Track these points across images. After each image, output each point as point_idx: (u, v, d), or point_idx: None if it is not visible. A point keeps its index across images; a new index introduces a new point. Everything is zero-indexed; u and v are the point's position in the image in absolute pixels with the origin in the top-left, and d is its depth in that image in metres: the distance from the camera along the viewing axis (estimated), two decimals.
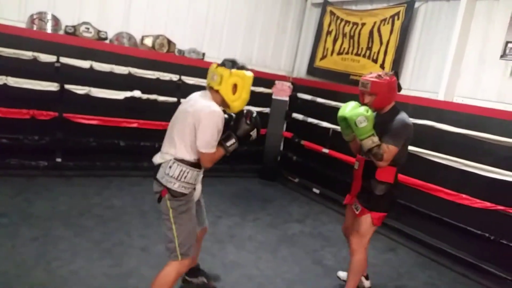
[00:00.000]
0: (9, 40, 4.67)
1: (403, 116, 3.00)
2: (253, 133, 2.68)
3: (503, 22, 4.56)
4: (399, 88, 3.09)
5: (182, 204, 2.55)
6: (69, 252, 3.39)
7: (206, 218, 3.00)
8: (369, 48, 5.97)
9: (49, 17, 5.10)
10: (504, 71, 4.55)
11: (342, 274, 3.60)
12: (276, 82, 6.70)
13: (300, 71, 7.30)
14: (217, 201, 5.24)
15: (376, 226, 3.16)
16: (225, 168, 6.33)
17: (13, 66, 4.64)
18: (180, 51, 6.05)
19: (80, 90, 5.01)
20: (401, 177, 4.36)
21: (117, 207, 4.55)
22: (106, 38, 5.45)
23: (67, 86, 4.93)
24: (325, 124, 5.97)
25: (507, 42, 4.51)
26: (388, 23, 5.71)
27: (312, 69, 6.97)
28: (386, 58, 5.71)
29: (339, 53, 6.47)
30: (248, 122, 2.63)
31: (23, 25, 4.99)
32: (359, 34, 6.11)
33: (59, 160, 5.14)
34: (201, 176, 2.69)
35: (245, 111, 2.68)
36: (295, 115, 6.59)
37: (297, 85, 6.83)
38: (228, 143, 2.57)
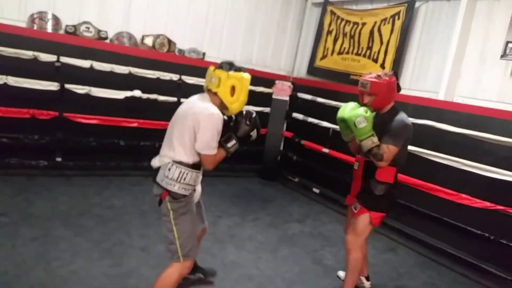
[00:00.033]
0: (9, 40, 4.67)
1: (402, 116, 3.00)
2: (253, 134, 2.70)
3: (504, 22, 4.55)
4: (399, 89, 3.09)
5: (183, 206, 2.55)
6: (69, 252, 3.39)
7: (205, 218, 3.01)
8: (370, 48, 5.96)
9: (49, 16, 5.10)
10: (505, 71, 4.55)
11: (342, 274, 3.61)
12: (276, 81, 6.69)
13: (300, 71, 7.30)
14: (217, 201, 5.25)
15: (374, 226, 3.16)
16: (225, 168, 6.33)
17: (13, 66, 4.64)
18: (180, 50, 6.05)
19: (80, 89, 5.01)
20: (401, 177, 4.37)
21: (117, 207, 4.55)
22: (106, 38, 5.45)
23: (67, 86, 4.93)
24: (325, 124, 5.97)
25: (507, 42, 4.50)
26: (388, 22, 5.70)
27: (312, 69, 6.97)
28: (386, 58, 5.71)
29: (339, 53, 6.47)
30: (247, 122, 2.65)
31: (23, 25, 4.99)
32: (360, 33, 6.10)
33: (59, 159, 5.14)
34: (200, 177, 2.70)
35: (244, 112, 2.69)
36: (295, 114, 6.58)
37: (297, 85, 6.83)
38: (229, 144, 2.59)
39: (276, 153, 6.86)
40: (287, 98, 6.67)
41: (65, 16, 5.23)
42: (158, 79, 5.55)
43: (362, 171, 3.17)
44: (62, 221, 3.93)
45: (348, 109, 2.95)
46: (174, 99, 5.59)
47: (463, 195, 4.30)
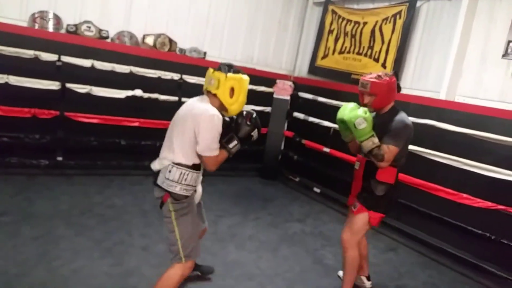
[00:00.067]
0: (10, 39, 4.68)
1: (402, 116, 3.00)
2: (254, 134, 2.71)
3: (505, 21, 4.54)
4: (399, 89, 3.09)
5: (184, 207, 2.56)
6: (70, 251, 3.39)
7: (206, 219, 3.02)
8: (371, 47, 5.96)
9: (50, 15, 5.10)
10: (506, 71, 4.54)
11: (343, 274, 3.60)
12: (277, 81, 6.69)
13: (302, 70, 7.30)
14: (218, 201, 5.25)
15: (371, 226, 3.16)
16: (226, 167, 6.23)
17: (14, 65, 4.65)
18: (181, 50, 6.05)
19: (81, 89, 5.01)
20: (402, 176, 4.36)
21: (118, 206, 4.55)
22: (107, 37, 5.45)
23: (68, 85, 4.94)
24: (326, 123, 5.97)
25: (509, 42, 4.50)
26: (390, 22, 5.70)
27: (313, 68, 6.97)
28: (387, 57, 5.70)
29: (340, 52, 6.46)
30: (248, 123, 2.67)
31: (24, 24, 5.00)
32: (361, 33, 6.10)
33: (60, 159, 5.15)
34: (201, 177, 2.71)
35: (244, 113, 2.71)
36: (296, 114, 6.58)
37: (299, 84, 6.83)
38: (231, 145, 2.60)
39: (277, 153, 6.86)
40: (288, 98, 6.66)
41: (66, 16, 5.23)
42: (159, 78, 5.55)
43: (363, 171, 3.16)
44: (63, 220, 3.94)
45: (348, 110, 2.96)
46: (175, 98, 5.59)
47: (464, 195, 4.29)
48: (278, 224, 4.87)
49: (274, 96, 6.69)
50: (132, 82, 5.38)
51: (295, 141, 6.54)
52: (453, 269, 4.35)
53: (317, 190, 6.17)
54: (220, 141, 2.55)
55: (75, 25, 5.23)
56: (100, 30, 5.37)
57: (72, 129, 5.12)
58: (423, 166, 4.69)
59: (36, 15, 5.02)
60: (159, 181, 2.54)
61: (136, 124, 5.47)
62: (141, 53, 5.62)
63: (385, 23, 5.76)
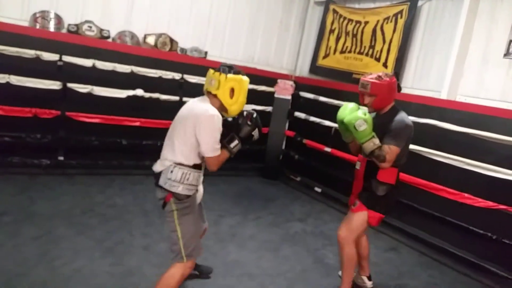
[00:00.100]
0: (12, 39, 4.68)
1: (402, 115, 3.00)
2: (255, 133, 2.73)
3: (507, 21, 4.54)
4: (399, 89, 3.09)
5: (186, 206, 2.58)
6: (71, 250, 3.40)
7: (206, 218, 3.03)
8: (372, 46, 5.95)
9: (51, 15, 5.11)
10: (508, 70, 4.53)
11: None
12: (279, 80, 6.69)
13: (303, 70, 7.29)
14: (219, 200, 5.25)
15: (369, 225, 3.15)
16: (227, 167, 6.22)
17: (15, 65, 4.65)
18: (182, 49, 6.05)
19: (82, 88, 5.01)
20: (403, 176, 4.37)
21: (119, 205, 4.56)
22: (108, 37, 5.45)
23: (69, 85, 4.94)
24: (327, 123, 5.96)
25: (510, 41, 4.50)
26: (391, 21, 5.69)
27: (314, 68, 6.97)
28: (389, 57, 5.70)
29: (341, 52, 6.46)
30: (249, 123, 2.68)
31: (25, 24, 5.01)
32: (362, 32, 6.09)
33: (61, 158, 5.15)
34: (202, 177, 2.72)
35: (245, 113, 2.73)
36: (297, 113, 6.57)
37: (300, 84, 6.82)
38: (232, 145, 2.62)
39: (278, 152, 6.86)
40: (289, 97, 6.65)
41: (68, 15, 5.24)
42: (160, 78, 5.54)
43: (364, 171, 3.16)
44: (64, 220, 3.95)
45: (348, 111, 2.96)
46: (176, 98, 5.59)
47: (466, 195, 4.28)
48: (279, 223, 4.87)
49: (275, 95, 6.69)
50: (133, 82, 5.38)
51: (296, 140, 6.53)
52: (454, 269, 4.35)
53: (318, 189, 6.16)
54: (221, 141, 2.56)
55: (76, 25, 5.23)
56: (101, 30, 5.37)
57: (74, 129, 5.12)
58: (425, 165, 4.68)
59: (37, 15, 5.03)
60: (161, 182, 2.54)
61: (137, 123, 5.47)
62: (142, 53, 5.62)
63: (386, 23, 5.76)
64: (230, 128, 2.67)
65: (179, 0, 6.01)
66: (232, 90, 2.57)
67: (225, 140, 2.60)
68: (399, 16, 5.59)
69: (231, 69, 2.59)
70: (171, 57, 5.86)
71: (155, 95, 5.50)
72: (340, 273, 3.64)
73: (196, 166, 2.56)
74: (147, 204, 4.66)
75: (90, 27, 5.31)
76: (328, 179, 6.16)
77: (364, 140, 2.87)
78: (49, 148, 5.09)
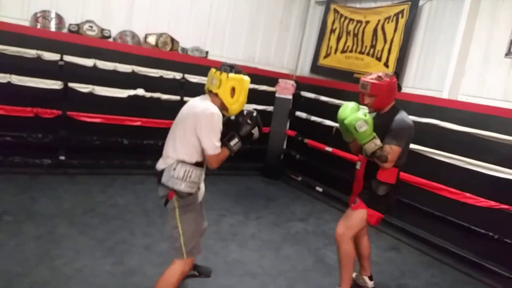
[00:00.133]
0: (13, 38, 4.68)
1: (402, 115, 2.99)
2: (255, 132, 2.75)
3: (508, 20, 4.53)
4: (399, 88, 3.08)
5: (188, 204, 2.60)
6: (72, 250, 3.40)
7: (205, 217, 3.05)
8: (373, 46, 5.95)
9: (52, 15, 5.11)
10: (509, 70, 4.52)
11: None
12: (280, 80, 6.68)
13: (304, 69, 7.29)
14: (220, 200, 5.25)
15: (368, 224, 3.15)
16: (228, 167, 6.23)
17: (17, 64, 4.66)
18: (183, 49, 6.05)
19: (83, 88, 5.01)
20: (404, 175, 4.37)
21: (121, 205, 4.56)
22: (109, 37, 5.45)
23: (70, 84, 4.94)
24: (328, 122, 5.95)
25: None
26: (392, 21, 5.69)
27: (315, 67, 6.96)
28: (390, 56, 5.69)
29: (342, 51, 6.45)
30: (249, 121, 2.70)
31: (26, 23, 5.01)
32: (363, 32, 6.09)
33: (62, 158, 5.15)
34: (203, 175, 2.73)
35: (245, 112, 2.75)
36: (298, 113, 6.57)
37: (301, 83, 6.81)
38: (232, 143, 2.63)
39: (279, 152, 6.86)
40: (290, 97, 6.65)
41: (68, 15, 5.24)
42: (161, 77, 5.54)
43: (364, 171, 3.16)
44: (65, 220, 3.95)
45: (348, 111, 2.96)
46: (177, 97, 5.60)
47: (467, 194, 4.28)
48: (280, 223, 4.87)
49: (276, 95, 6.68)
50: (134, 82, 5.38)
51: (297, 140, 6.53)
52: (455, 268, 4.34)
53: (319, 189, 6.16)
54: (222, 140, 2.57)
55: (77, 25, 5.23)
56: (102, 30, 5.38)
57: (75, 129, 5.13)
58: (426, 165, 4.68)
59: (38, 15, 5.03)
60: (163, 180, 2.56)
61: (138, 123, 5.47)
62: (143, 53, 5.62)
63: (388, 22, 5.75)
64: (230, 126, 2.69)
65: (179, 0, 6.01)
66: (233, 89, 2.60)
67: (225, 138, 2.61)
68: (400, 15, 5.59)
69: (232, 68, 2.62)
70: (172, 57, 5.86)
71: (156, 94, 5.50)
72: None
73: (198, 164, 2.58)
74: (148, 203, 4.66)
75: (91, 26, 5.31)
76: (329, 179, 6.16)
77: (365, 141, 2.87)
78: (51, 148, 5.10)
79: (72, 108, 5.01)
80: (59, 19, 5.16)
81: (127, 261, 3.38)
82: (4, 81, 4.55)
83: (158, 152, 2.71)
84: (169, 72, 5.60)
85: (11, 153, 4.84)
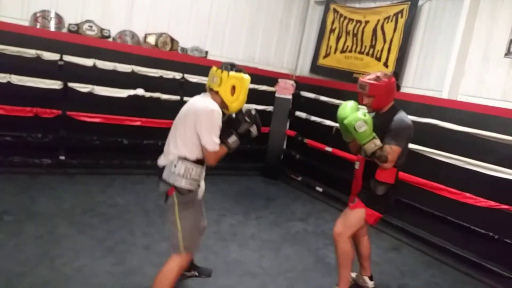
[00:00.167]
0: (12, 38, 4.68)
1: (401, 115, 2.99)
2: (253, 129, 2.78)
3: (507, 20, 4.54)
4: (398, 88, 3.08)
5: (188, 201, 2.63)
6: (72, 250, 3.40)
7: (205, 216, 3.07)
8: (373, 46, 5.95)
9: (52, 15, 5.11)
10: (508, 70, 4.53)
11: None
12: (279, 80, 6.68)
13: (303, 69, 7.29)
14: (220, 200, 5.25)
15: (366, 223, 3.15)
16: (228, 167, 6.32)
17: (16, 64, 4.65)
18: (183, 49, 6.05)
19: (83, 88, 5.01)
20: (404, 175, 4.37)
21: (121, 205, 4.56)
22: (109, 36, 5.45)
23: (70, 84, 4.94)
24: (328, 122, 5.95)
25: (511, 40, 4.49)
26: (391, 21, 5.69)
27: (315, 67, 6.97)
28: (389, 56, 5.69)
29: (342, 51, 6.46)
30: (247, 119, 2.73)
31: (26, 23, 5.01)
32: (363, 32, 6.09)
33: (62, 158, 5.15)
34: (204, 172, 2.76)
35: (244, 109, 2.79)
36: (298, 113, 6.57)
37: (300, 83, 6.81)
38: (230, 140, 2.66)
39: (279, 152, 6.86)
40: (290, 97, 6.65)
41: (68, 15, 5.24)
42: (161, 77, 5.54)
43: (363, 171, 3.16)
44: (65, 219, 3.94)
45: (348, 110, 2.97)
46: (177, 97, 5.59)
47: (467, 194, 4.28)
48: (280, 223, 4.87)
49: (276, 95, 6.68)
50: (134, 81, 5.38)
51: (297, 140, 6.53)
52: (456, 268, 4.34)
53: (319, 189, 6.16)
54: (220, 137, 2.60)
55: (77, 25, 5.23)
56: (101, 30, 5.37)
57: (75, 128, 5.12)
58: (426, 165, 4.68)
59: (38, 15, 5.03)
60: (164, 176, 2.60)
61: (138, 123, 5.47)
62: (143, 52, 5.62)
63: (387, 22, 5.75)
64: (229, 124, 2.71)
65: (179, 0, 6.01)
66: (234, 88, 2.63)
67: (223, 135, 2.64)
68: (399, 15, 5.59)
69: (233, 67, 2.67)
70: (172, 57, 5.86)
71: (156, 94, 5.49)
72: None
73: (199, 161, 2.62)
74: (148, 203, 4.66)
75: (91, 26, 5.31)
76: (329, 179, 6.16)
77: (365, 141, 2.87)
78: (50, 148, 5.09)
79: (71, 108, 5.01)
80: (59, 19, 5.15)
81: (127, 261, 3.38)
82: (4, 81, 4.54)
83: (158, 152, 2.73)
84: (168, 72, 5.60)
85: (11, 153, 4.83)
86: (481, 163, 4.21)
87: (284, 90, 6.64)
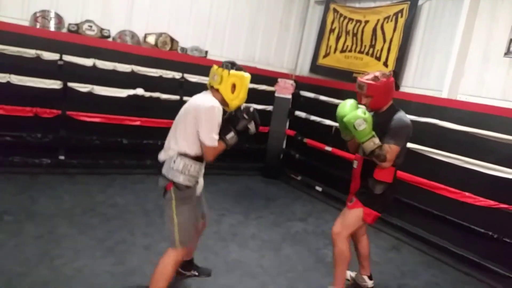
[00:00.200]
0: (12, 38, 4.68)
1: (400, 115, 2.99)
2: (251, 126, 2.80)
3: (507, 20, 4.53)
4: (397, 87, 3.08)
5: (186, 196, 2.66)
6: (72, 250, 3.40)
7: (207, 213, 3.09)
8: (373, 45, 5.95)
9: (52, 15, 5.11)
10: (508, 69, 4.53)
11: (347, 273, 3.59)
12: (279, 80, 6.68)
13: (303, 69, 7.29)
14: (220, 199, 5.25)
15: (364, 223, 3.14)
16: (228, 166, 6.33)
17: (16, 64, 4.65)
18: (182, 49, 6.05)
19: (83, 88, 5.01)
20: (404, 175, 4.37)
21: (121, 205, 4.55)
22: (109, 36, 5.45)
23: (70, 84, 4.94)
24: (328, 122, 5.95)
25: (511, 40, 4.49)
26: (391, 20, 5.69)
27: (315, 67, 6.96)
28: (389, 56, 5.69)
29: (342, 51, 6.45)
30: (245, 116, 2.76)
31: (26, 23, 5.01)
32: (362, 31, 6.09)
33: (62, 158, 5.15)
34: (203, 169, 2.80)
35: (242, 107, 2.82)
36: (298, 113, 6.57)
37: (300, 83, 6.82)
38: (228, 136, 2.70)
39: (279, 152, 6.85)
40: (290, 96, 6.65)
41: (68, 15, 5.24)
42: (160, 77, 5.54)
43: (361, 170, 3.16)
44: (65, 219, 3.94)
45: (347, 108, 2.96)
46: (177, 97, 5.59)
47: (467, 194, 4.28)
48: (280, 223, 4.87)
49: (276, 95, 6.68)
50: (134, 81, 5.38)
51: (297, 139, 6.53)
52: (455, 268, 4.34)
53: (319, 189, 6.16)
54: (219, 133, 2.64)
55: (77, 24, 5.23)
56: (101, 29, 5.37)
57: (74, 128, 5.13)
58: (425, 164, 4.68)
59: (38, 15, 5.03)
60: (164, 171, 2.64)
61: (138, 123, 5.47)
62: (143, 52, 5.62)
63: (387, 22, 5.75)
64: (227, 121, 2.74)
65: (179, 0, 6.01)
66: (234, 86, 2.68)
67: (221, 132, 2.67)
68: (399, 15, 5.59)
69: (233, 65, 2.72)
70: (172, 57, 5.86)
71: (156, 94, 5.49)
72: (348, 274, 3.61)
73: (198, 158, 2.66)
74: (148, 203, 4.66)
75: (91, 26, 5.30)
76: (329, 178, 6.15)
77: (364, 140, 2.86)
78: (50, 148, 5.10)
79: (71, 108, 5.01)
80: (59, 18, 5.15)
81: (127, 261, 3.38)
82: (4, 81, 4.54)
83: (157, 152, 2.75)
84: (168, 72, 5.60)
85: (10, 153, 4.83)
86: (480, 162, 4.21)
87: (284, 90, 6.64)
